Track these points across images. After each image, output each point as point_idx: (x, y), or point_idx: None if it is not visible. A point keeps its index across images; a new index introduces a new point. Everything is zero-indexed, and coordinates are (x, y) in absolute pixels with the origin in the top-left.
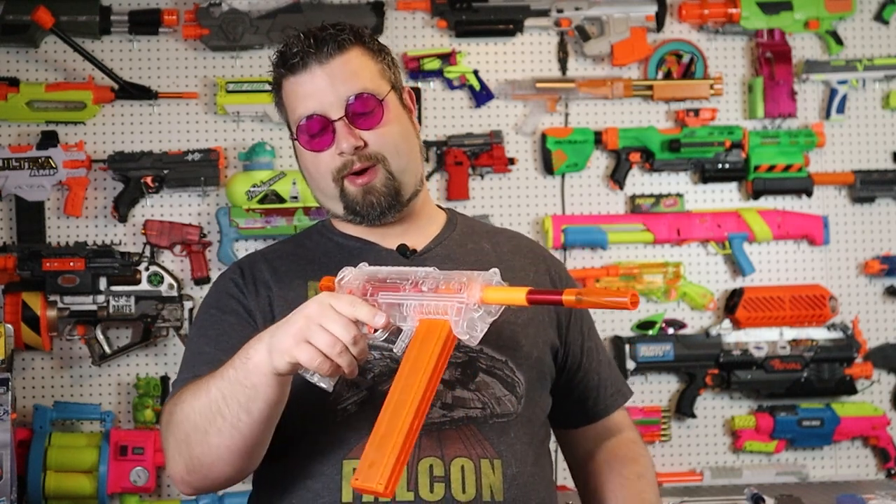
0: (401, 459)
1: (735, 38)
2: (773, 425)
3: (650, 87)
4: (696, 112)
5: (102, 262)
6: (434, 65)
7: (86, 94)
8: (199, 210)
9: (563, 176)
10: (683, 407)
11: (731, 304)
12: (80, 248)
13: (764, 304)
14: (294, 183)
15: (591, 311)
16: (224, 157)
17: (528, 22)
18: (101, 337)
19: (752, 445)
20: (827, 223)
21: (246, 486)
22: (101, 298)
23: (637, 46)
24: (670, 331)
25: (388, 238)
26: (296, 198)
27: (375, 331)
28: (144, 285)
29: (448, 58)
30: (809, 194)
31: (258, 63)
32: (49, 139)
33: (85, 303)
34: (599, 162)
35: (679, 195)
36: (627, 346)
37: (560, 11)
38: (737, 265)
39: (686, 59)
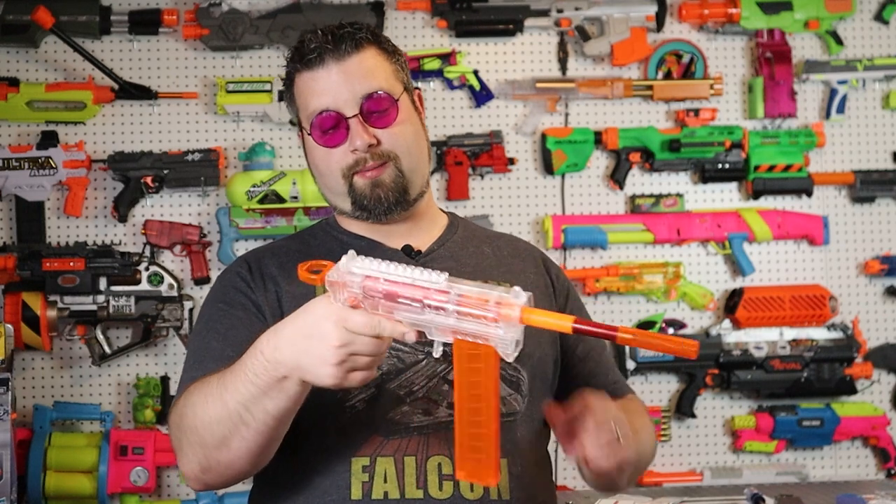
0: (496, 459)
1: (735, 38)
2: (773, 425)
3: (650, 87)
4: (696, 112)
5: (102, 262)
6: (434, 65)
7: (86, 94)
8: (199, 210)
9: (563, 176)
10: (683, 407)
11: (731, 304)
12: (80, 248)
13: (764, 304)
14: (294, 183)
15: (591, 310)
16: (224, 157)
17: (528, 22)
18: (101, 337)
19: (752, 445)
20: (827, 223)
21: (245, 486)
22: (101, 298)
23: (637, 46)
24: (670, 331)
25: (392, 237)
26: (296, 198)
27: None
28: (144, 285)
29: (448, 58)
30: (809, 194)
31: (258, 63)
32: (49, 139)
33: (85, 303)
34: (599, 162)
35: (679, 195)
36: (627, 346)
37: (560, 11)
38: (737, 265)
39: (686, 59)
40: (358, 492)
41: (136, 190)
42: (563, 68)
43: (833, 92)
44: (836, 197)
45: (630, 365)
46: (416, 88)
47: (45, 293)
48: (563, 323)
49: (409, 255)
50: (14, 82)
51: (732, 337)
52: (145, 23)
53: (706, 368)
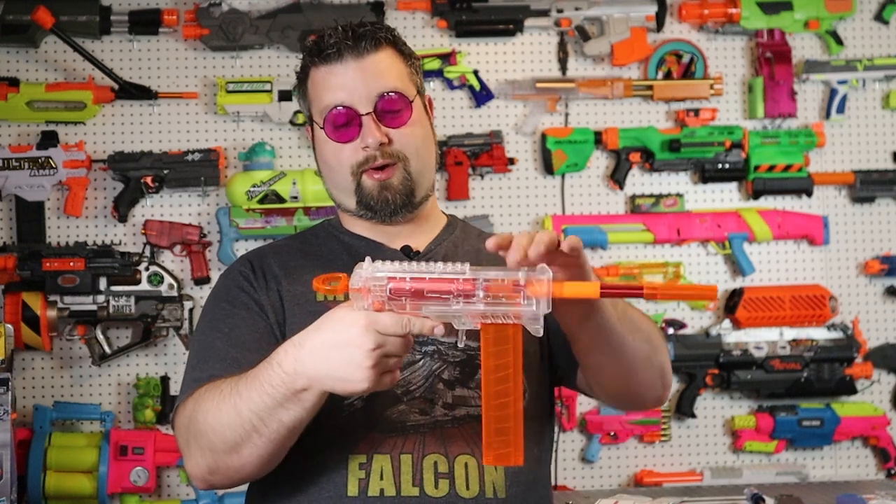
0: (521, 438)
1: (735, 38)
2: (773, 425)
3: (650, 87)
4: (696, 112)
5: (102, 262)
6: (434, 65)
7: (86, 94)
8: (199, 210)
9: (563, 176)
10: (683, 407)
11: (731, 304)
12: (80, 248)
13: (764, 304)
14: (294, 183)
15: None
16: (224, 157)
17: (528, 22)
18: (101, 337)
19: (752, 445)
20: (827, 223)
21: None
22: (101, 298)
23: (637, 46)
24: (670, 331)
25: (394, 239)
26: (296, 198)
27: None
28: (144, 285)
29: (448, 58)
30: (809, 194)
31: (258, 63)
32: (49, 139)
33: (85, 303)
34: (599, 162)
35: (679, 195)
36: None
37: (560, 11)
38: (737, 265)
39: (686, 59)
40: (354, 489)
41: (136, 190)
42: (563, 68)
43: (833, 92)
44: (836, 197)
45: None
46: (428, 94)
47: (45, 293)
48: (592, 289)
49: (407, 256)
50: (14, 82)
51: (732, 337)
52: (145, 23)
53: (706, 368)
